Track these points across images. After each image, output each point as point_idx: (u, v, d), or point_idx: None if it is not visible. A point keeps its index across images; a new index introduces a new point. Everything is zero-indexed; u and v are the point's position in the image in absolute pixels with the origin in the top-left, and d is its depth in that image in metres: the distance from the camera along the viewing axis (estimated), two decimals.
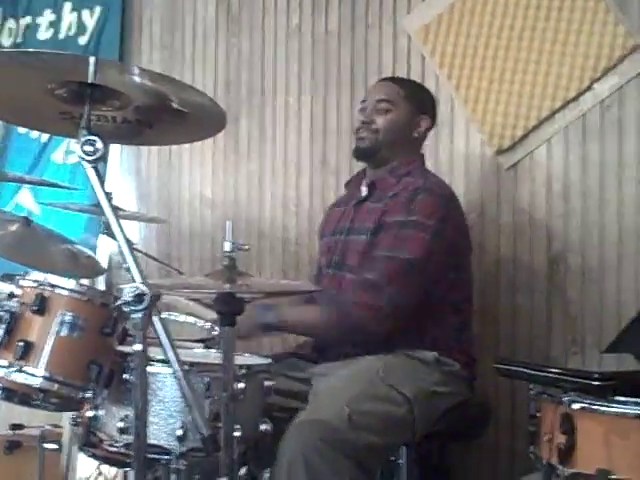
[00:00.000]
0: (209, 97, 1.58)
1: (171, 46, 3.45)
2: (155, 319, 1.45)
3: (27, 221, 2.62)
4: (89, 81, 1.52)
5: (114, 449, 1.88)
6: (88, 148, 1.51)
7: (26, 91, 1.62)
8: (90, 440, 1.94)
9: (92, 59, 1.49)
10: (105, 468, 2.82)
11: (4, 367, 1.76)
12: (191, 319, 2.56)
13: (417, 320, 2.20)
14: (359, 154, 2.39)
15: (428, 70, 2.82)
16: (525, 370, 1.74)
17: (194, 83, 3.22)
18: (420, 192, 2.21)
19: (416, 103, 2.37)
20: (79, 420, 2.13)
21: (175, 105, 1.61)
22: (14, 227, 2.59)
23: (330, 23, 3.06)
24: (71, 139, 3.50)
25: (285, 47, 3.15)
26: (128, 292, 1.41)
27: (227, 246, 1.69)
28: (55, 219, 3.43)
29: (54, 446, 2.11)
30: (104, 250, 3.46)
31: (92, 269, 2.77)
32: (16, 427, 2.22)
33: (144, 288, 1.41)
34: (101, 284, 3.32)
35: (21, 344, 1.74)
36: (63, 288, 1.79)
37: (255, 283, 1.75)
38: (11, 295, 1.81)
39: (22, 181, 3.06)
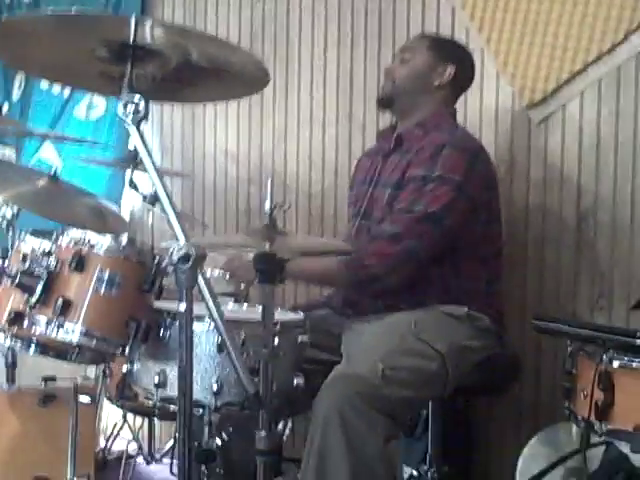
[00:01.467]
0: (251, 54, 1.56)
1: (192, 6, 3.38)
2: (199, 277, 1.45)
3: (53, 176, 2.62)
4: (130, 42, 1.51)
5: (150, 402, 1.91)
6: (130, 107, 1.49)
7: (67, 53, 1.61)
8: (125, 393, 1.98)
9: (133, 18, 1.47)
10: (130, 417, 2.87)
11: (44, 323, 1.77)
12: (217, 272, 2.58)
13: (447, 275, 2.21)
14: (378, 103, 2.43)
15: (458, 22, 2.76)
16: (564, 327, 1.74)
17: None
18: (445, 147, 2.19)
19: (440, 52, 2.34)
20: (108, 372, 2.16)
21: (217, 64, 1.59)
22: (40, 182, 2.59)
23: None
24: (93, 94, 3.50)
25: (306, 1, 3.09)
26: (174, 251, 1.41)
27: (267, 205, 1.68)
28: (78, 174, 3.42)
29: (87, 398, 2.12)
30: (127, 205, 3.46)
31: (118, 225, 2.78)
32: (49, 379, 2.24)
33: (190, 248, 1.40)
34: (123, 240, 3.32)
35: (60, 301, 1.75)
36: (101, 246, 1.79)
37: (294, 242, 1.75)
38: (48, 253, 1.81)
39: (47, 137, 3.05)
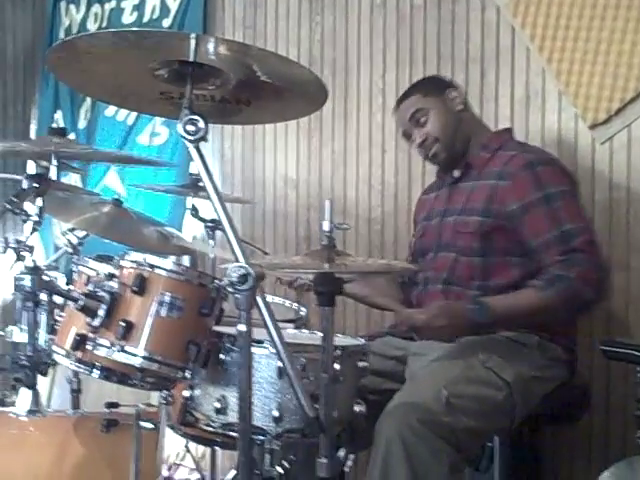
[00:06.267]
0: (310, 71, 1.56)
1: (254, 25, 3.44)
2: (258, 299, 1.44)
3: (118, 203, 2.67)
4: (190, 59, 1.52)
5: (210, 429, 1.90)
6: (190, 128, 1.50)
7: (127, 73, 1.63)
8: (186, 419, 1.96)
9: (193, 35, 1.48)
10: (193, 446, 2.87)
11: (106, 347, 1.78)
12: (277, 299, 2.57)
13: None
14: (447, 167, 2.39)
15: (518, 43, 2.73)
16: (634, 352, 1.68)
17: None
18: (535, 164, 2.18)
19: (434, 91, 2.36)
20: (170, 399, 2.15)
21: (276, 80, 1.59)
22: (106, 209, 2.64)
23: None
24: (156, 121, 3.57)
25: (369, 23, 3.10)
26: (232, 272, 1.41)
27: (326, 225, 1.67)
28: (141, 201, 3.48)
29: (150, 425, 2.12)
30: (189, 231, 3.49)
31: (181, 248, 2.81)
32: (112, 405, 2.25)
33: (248, 268, 1.40)
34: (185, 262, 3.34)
35: (122, 324, 1.75)
36: (162, 268, 1.79)
37: (353, 263, 1.73)
38: (111, 275, 1.82)
39: (114, 160, 3.10)
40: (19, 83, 4.23)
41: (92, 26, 3.85)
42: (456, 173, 2.35)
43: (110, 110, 3.72)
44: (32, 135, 4.18)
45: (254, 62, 1.56)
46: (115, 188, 3.59)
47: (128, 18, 3.74)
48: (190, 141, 1.52)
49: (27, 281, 1.92)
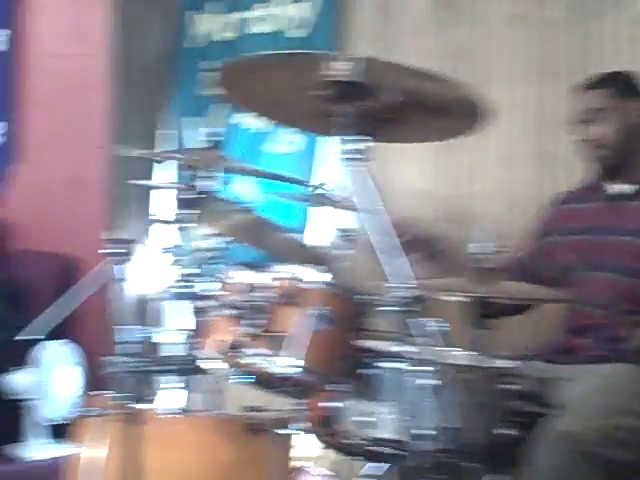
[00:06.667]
0: (473, 91, 1.57)
1: (383, 37, 3.45)
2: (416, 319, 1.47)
3: (251, 210, 2.74)
4: (353, 79, 1.56)
5: (354, 442, 1.91)
6: (353, 147, 1.54)
7: (283, 89, 1.69)
8: (328, 429, 1.99)
9: (356, 58, 1.52)
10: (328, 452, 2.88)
11: (257, 356, 1.82)
12: None
13: None
14: (609, 175, 2.33)
15: None
16: None
17: None
18: None
19: (624, 94, 2.29)
20: (310, 406, 2.18)
21: (431, 102, 1.61)
22: (242, 215, 2.71)
23: (551, 10, 2.96)
24: (283, 129, 3.58)
25: (506, 35, 3.07)
26: (396, 292, 1.43)
27: (480, 248, 1.67)
28: (269, 207, 3.54)
29: (291, 431, 2.15)
30: (313, 240, 3.53)
31: (316, 259, 2.85)
32: (253, 409, 2.29)
33: (413, 290, 1.42)
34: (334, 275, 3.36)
35: (274, 334, 1.79)
36: (316, 282, 1.83)
37: (508, 287, 1.72)
38: (263, 285, 1.87)
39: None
40: (146, 88, 4.31)
41: (225, 36, 3.93)
42: (623, 189, 2.31)
43: (235, 117, 3.78)
44: (157, 141, 4.23)
45: (408, 83, 1.58)
46: (247, 195, 3.65)
47: (260, 28, 3.80)
48: (353, 160, 1.55)
49: (186, 287, 1.99)
